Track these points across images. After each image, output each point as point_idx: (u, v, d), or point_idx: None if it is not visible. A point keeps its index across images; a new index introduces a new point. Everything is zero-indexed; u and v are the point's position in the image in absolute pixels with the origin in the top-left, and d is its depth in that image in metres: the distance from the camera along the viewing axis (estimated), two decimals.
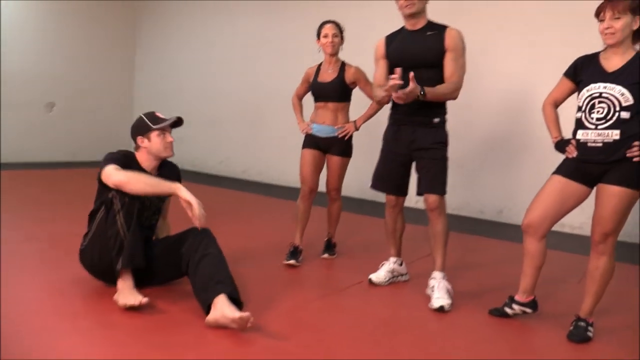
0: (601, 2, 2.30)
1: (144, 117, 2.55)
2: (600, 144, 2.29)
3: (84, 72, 8.20)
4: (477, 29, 5.28)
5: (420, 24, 2.76)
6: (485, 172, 5.52)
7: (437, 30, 2.72)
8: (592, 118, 2.31)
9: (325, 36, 3.30)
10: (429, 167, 2.74)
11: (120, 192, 2.30)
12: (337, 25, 3.34)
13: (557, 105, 2.57)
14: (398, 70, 2.51)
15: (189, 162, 8.11)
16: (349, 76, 3.31)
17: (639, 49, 2.33)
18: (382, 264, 3.05)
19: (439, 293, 2.69)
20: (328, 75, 3.34)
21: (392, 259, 3.05)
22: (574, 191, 2.40)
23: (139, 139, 2.51)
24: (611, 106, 2.26)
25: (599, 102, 2.29)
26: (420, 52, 2.70)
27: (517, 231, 4.28)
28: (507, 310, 2.58)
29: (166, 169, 2.64)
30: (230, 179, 7.40)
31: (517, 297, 2.57)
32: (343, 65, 3.35)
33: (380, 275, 2.97)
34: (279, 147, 7.05)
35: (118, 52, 8.70)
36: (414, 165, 2.85)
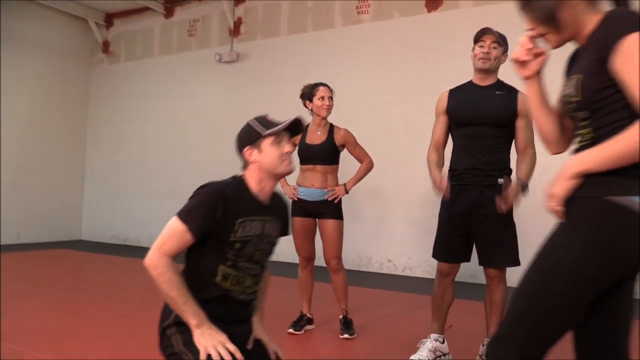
0: None
1: (254, 121, 1.87)
2: None
3: (31, 146, 7.63)
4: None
5: (490, 80, 2.65)
6: None
7: (507, 90, 2.62)
8: None
9: (322, 98, 3.20)
10: (496, 237, 2.54)
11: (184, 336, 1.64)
12: (330, 88, 3.27)
13: None
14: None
15: (148, 238, 7.55)
16: (338, 138, 3.23)
17: None
18: (422, 342, 2.71)
19: None
20: (317, 137, 3.22)
21: (434, 336, 2.71)
22: None
23: (247, 150, 1.81)
24: None
25: None
26: (489, 110, 2.56)
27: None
28: None
29: (276, 201, 1.92)
30: None
31: None
32: (332, 127, 3.27)
33: (422, 355, 2.62)
34: None
35: (68, 124, 8.22)
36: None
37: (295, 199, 3.23)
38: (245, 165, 1.83)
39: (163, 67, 7.73)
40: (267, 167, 1.79)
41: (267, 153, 1.79)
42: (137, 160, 7.86)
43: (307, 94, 3.26)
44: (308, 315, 3.27)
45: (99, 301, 3.89)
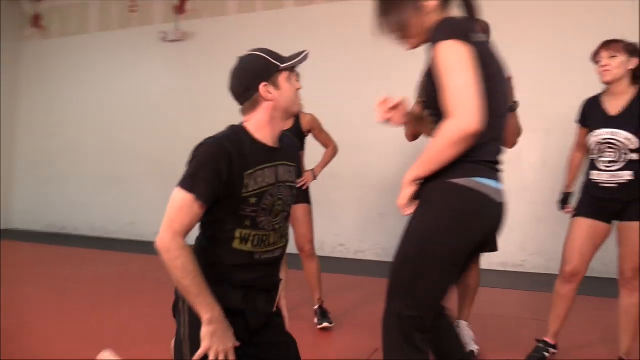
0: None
1: (263, 55, 1.61)
2: (615, 185, 2.36)
3: None
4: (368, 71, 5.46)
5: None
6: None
7: None
8: (604, 161, 2.38)
9: None
10: None
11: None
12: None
13: (585, 150, 2.58)
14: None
15: (89, 226, 7.20)
16: (304, 124, 3.18)
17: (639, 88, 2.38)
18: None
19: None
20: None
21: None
22: (601, 230, 2.44)
23: (263, 87, 1.57)
24: (619, 151, 2.33)
25: (608, 148, 2.36)
26: None
27: None
28: (546, 354, 2.54)
29: (285, 142, 1.72)
30: (141, 243, 6.64)
31: (550, 341, 2.56)
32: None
33: None
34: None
35: None
36: None
37: None
38: (253, 105, 1.59)
39: (101, 45, 7.29)
40: (284, 105, 1.61)
41: (285, 89, 1.60)
42: (74, 143, 7.41)
43: None
44: None
45: (49, 295, 3.66)
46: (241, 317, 1.58)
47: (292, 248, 3.26)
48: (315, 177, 3.22)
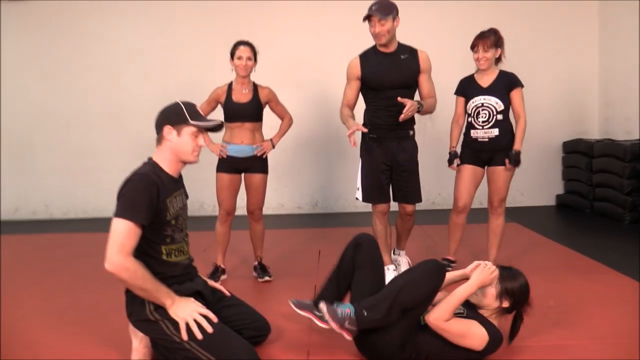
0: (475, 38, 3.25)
1: (183, 106, 2.01)
2: (487, 139, 3.26)
3: None
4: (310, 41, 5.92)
5: (392, 47, 3.05)
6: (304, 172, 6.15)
7: (410, 53, 3.08)
8: (479, 121, 3.25)
9: (240, 58, 3.30)
10: (411, 179, 3.16)
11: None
12: (252, 48, 3.36)
13: (462, 119, 3.40)
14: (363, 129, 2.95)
15: None
16: (263, 97, 3.41)
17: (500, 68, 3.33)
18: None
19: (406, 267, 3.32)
20: (244, 96, 3.36)
21: (391, 267, 3.15)
22: (479, 173, 3.38)
23: (167, 128, 1.97)
24: (490, 112, 3.22)
25: (482, 110, 3.23)
26: (400, 76, 3.04)
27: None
28: (448, 269, 3.17)
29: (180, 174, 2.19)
30: None
31: (451, 258, 3.47)
32: (255, 85, 3.42)
33: None
34: (63, 174, 6.11)
35: None
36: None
37: (224, 156, 3.34)
38: (159, 140, 2.02)
39: None
40: (178, 151, 2.01)
41: (184, 140, 2.00)
42: None
43: (231, 52, 3.34)
44: (222, 266, 3.47)
45: None
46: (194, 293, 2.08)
47: (240, 211, 3.61)
48: (273, 147, 3.45)
